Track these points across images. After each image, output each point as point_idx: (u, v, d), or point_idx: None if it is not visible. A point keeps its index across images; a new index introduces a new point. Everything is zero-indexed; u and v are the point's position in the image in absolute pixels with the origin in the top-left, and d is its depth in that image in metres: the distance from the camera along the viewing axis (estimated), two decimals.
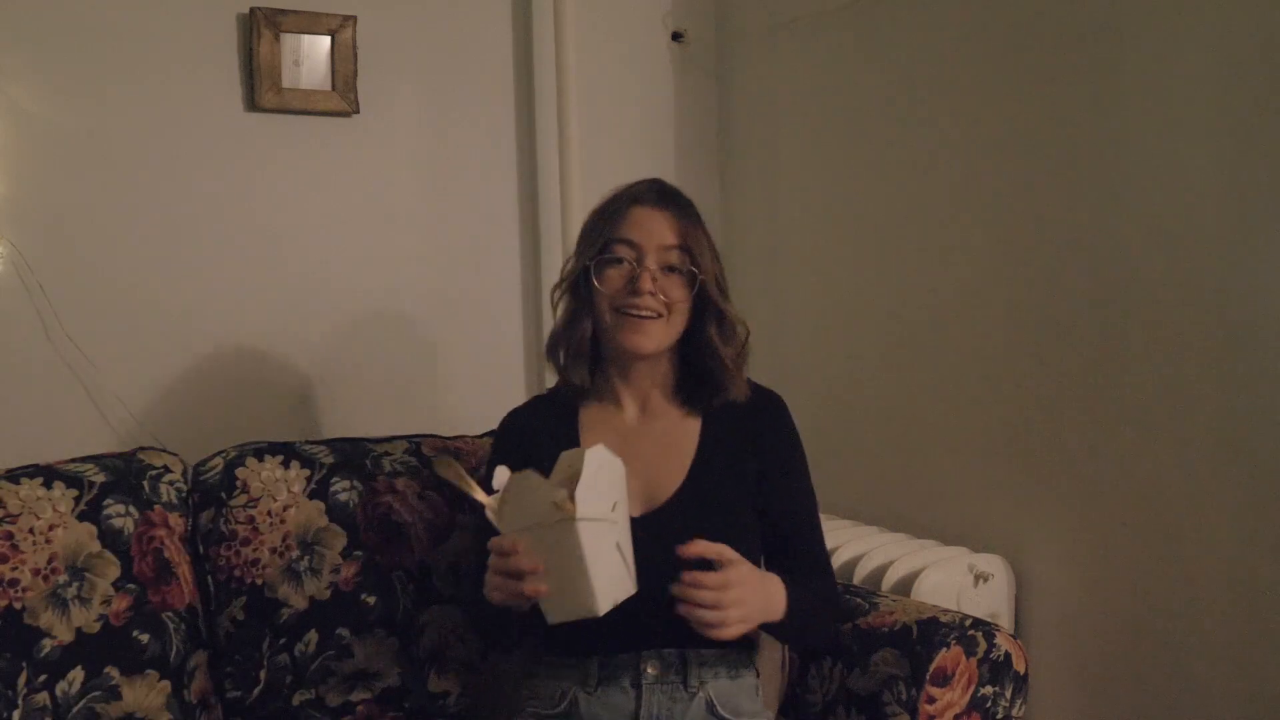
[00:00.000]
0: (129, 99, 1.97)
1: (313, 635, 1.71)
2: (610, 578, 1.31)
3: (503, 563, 1.32)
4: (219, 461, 1.76)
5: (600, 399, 1.60)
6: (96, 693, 1.57)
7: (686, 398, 1.59)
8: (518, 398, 1.74)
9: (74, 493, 1.64)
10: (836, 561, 1.97)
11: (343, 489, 1.77)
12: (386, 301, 2.20)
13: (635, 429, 1.57)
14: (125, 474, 1.69)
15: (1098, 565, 1.82)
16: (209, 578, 1.72)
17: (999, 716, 1.56)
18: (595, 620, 1.30)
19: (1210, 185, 1.65)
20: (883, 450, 2.19)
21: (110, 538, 1.63)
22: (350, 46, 2.10)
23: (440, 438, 1.90)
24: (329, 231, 2.14)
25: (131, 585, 1.63)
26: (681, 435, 1.57)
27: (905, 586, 1.85)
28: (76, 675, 1.57)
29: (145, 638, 1.62)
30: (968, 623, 1.56)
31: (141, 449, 1.79)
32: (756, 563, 1.50)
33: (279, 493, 1.74)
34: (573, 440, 1.56)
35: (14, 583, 1.55)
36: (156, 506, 1.69)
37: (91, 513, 1.63)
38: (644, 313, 1.50)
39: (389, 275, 2.20)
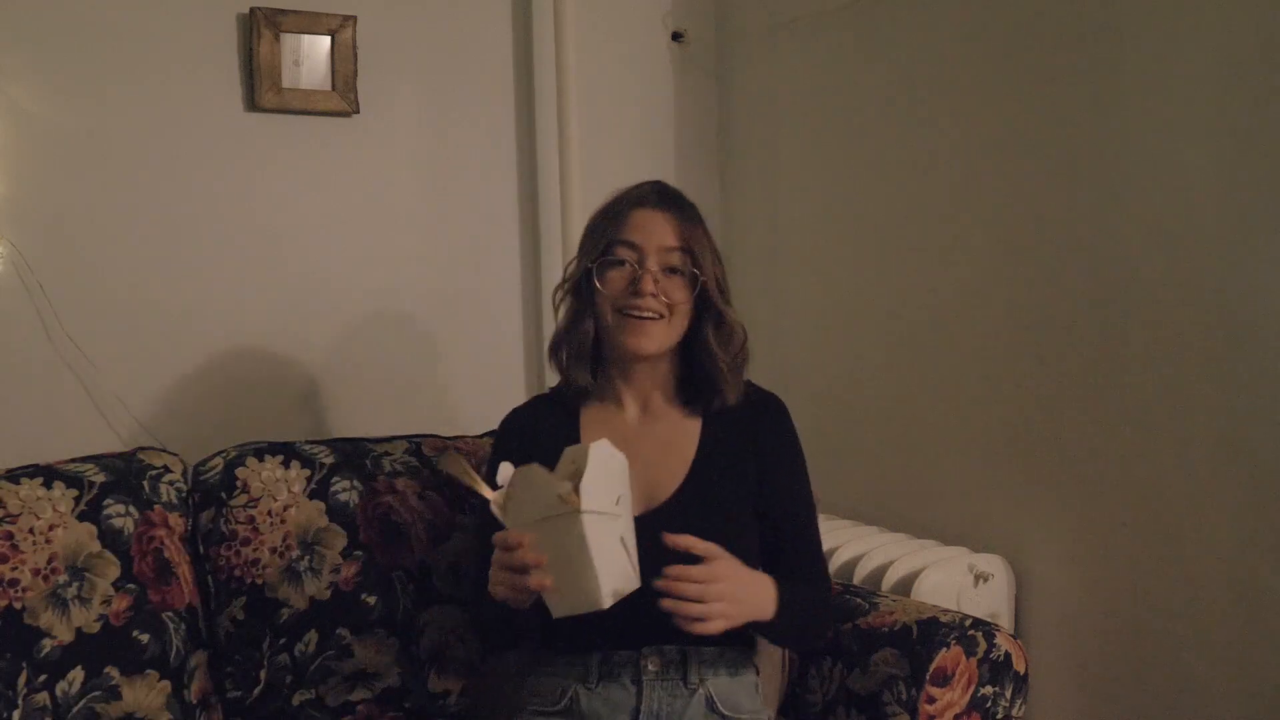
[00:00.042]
0: (129, 99, 1.97)
1: (313, 635, 1.71)
2: (614, 571, 1.31)
3: (507, 557, 1.33)
4: (219, 461, 1.76)
5: (602, 399, 1.61)
6: (96, 693, 1.57)
7: (687, 399, 1.60)
8: (518, 398, 1.74)
9: (74, 493, 1.64)
10: (836, 561, 1.97)
11: (343, 489, 1.77)
12: (386, 301, 2.20)
13: (636, 429, 1.58)
14: (125, 474, 1.69)
15: (1098, 565, 1.82)
16: (209, 578, 1.72)
17: (999, 716, 1.56)
18: (597, 615, 1.31)
19: (1210, 185, 1.65)
20: (883, 450, 2.19)
21: (110, 538, 1.63)
22: (350, 46, 2.10)
23: (440, 438, 1.91)
24: (329, 231, 2.14)
25: (131, 585, 1.63)
26: (681, 436, 1.58)
27: (905, 586, 1.85)
28: (76, 675, 1.56)
29: (145, 638, 1.62)
30: (968, 623, 1.56)
31: (141, 449, 1.79)
32: (755, 563, 1.50)
33: (279, 493, 1.74)
34: (574, 440, 1.56)
35: (14, 583, 1.55)
36: (156, 506, 1.69)
37: (91, 513, 1.63)
38: (646, 314, 1.51)
39: (389, 275, 2.20)
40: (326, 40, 2.09)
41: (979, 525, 2.00)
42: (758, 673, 1.56)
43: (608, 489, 1.33)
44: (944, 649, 1.52)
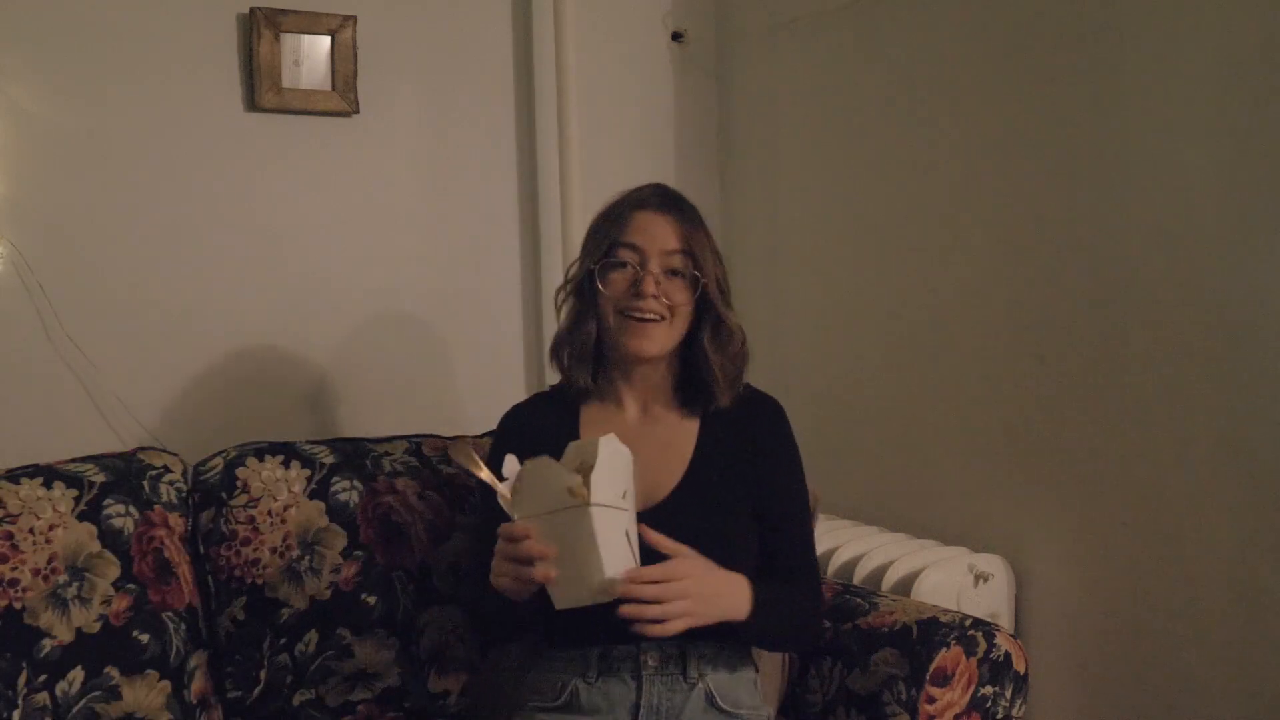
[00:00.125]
0: (129, 99, 1.97)
1: (313, 635, 1.71)
2: (618, 564, 1.32)
3: (513, 548, 1.34)
4: (219, 461, 1.76)
5: (602, 399, 1.62)
6: (96, 693, 1.57)
7: (685, 400, 1.61)
8: (518, 397, 1.74)
9: (74, 493, 1.64)
10: (836, 561, 1.97)
11: (343, 489, 1.77)
12: (387, 301, 2.20)
13: (635, 429, 1.58)
14: (125, 474, 1.69)
15: (1098, 565, 1.82)
16: (209, 578, 1.72)
17: (999, 716, 1.56)
18: (597, 610, 1.32)
19: (1210, 185, 1.65)
20: (883, 450, 2.19)
21: (110, 538, 1.63)
22: (350, 46, 2.10)
23: (440, 437, 1.91)
24: (329, 231, 2.14)
25: (131, 585, 1.63)
26: (680, 437, 1.58)
27: (905, 586, 1.85)
28: (76, 675, 1.56)
29: (145, 638, 1.62)
30: (968, 623, 1.56)
31: (141, 449, 1.79)
32: (751, 564, 1.51)
33: (279, 493, 1.74)
34: (573, 438, 1.56)
35: (14, 583, 1.55)
36: (156, 506, 1.69)
37: (91, 513, 1.63)
38: (647, 315, 1.52)
39: (389, 275, 2.20)
40: (326, 40, 2.09)
41: (979, 525, 2.00)
42: (757, 670, 1.56)
43: (615, 483, 1.34)
44: (944, 649, 1.52)
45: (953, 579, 1.87)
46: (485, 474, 1.39)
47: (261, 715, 1.71)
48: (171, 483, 1.73)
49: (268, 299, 2.08)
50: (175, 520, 1.70)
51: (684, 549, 1.39)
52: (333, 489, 1.76)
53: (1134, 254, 1.74)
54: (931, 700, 1.51)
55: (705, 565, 1.41)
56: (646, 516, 1.46)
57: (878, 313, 2.19)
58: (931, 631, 1.55)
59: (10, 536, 1.57)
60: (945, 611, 1.61)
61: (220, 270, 2.05)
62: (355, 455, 1.82)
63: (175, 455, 1.79)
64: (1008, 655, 1.56)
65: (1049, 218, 1.86)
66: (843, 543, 2.01)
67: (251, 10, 2.03)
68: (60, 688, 1.55)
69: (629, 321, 1.53)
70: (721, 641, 1.49)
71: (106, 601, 1.61)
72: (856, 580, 1.92)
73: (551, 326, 1.67)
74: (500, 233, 2.31)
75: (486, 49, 2.28)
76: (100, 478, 1.67)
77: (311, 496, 1.75)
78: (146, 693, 1.61)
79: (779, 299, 2.40)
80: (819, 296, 2.33)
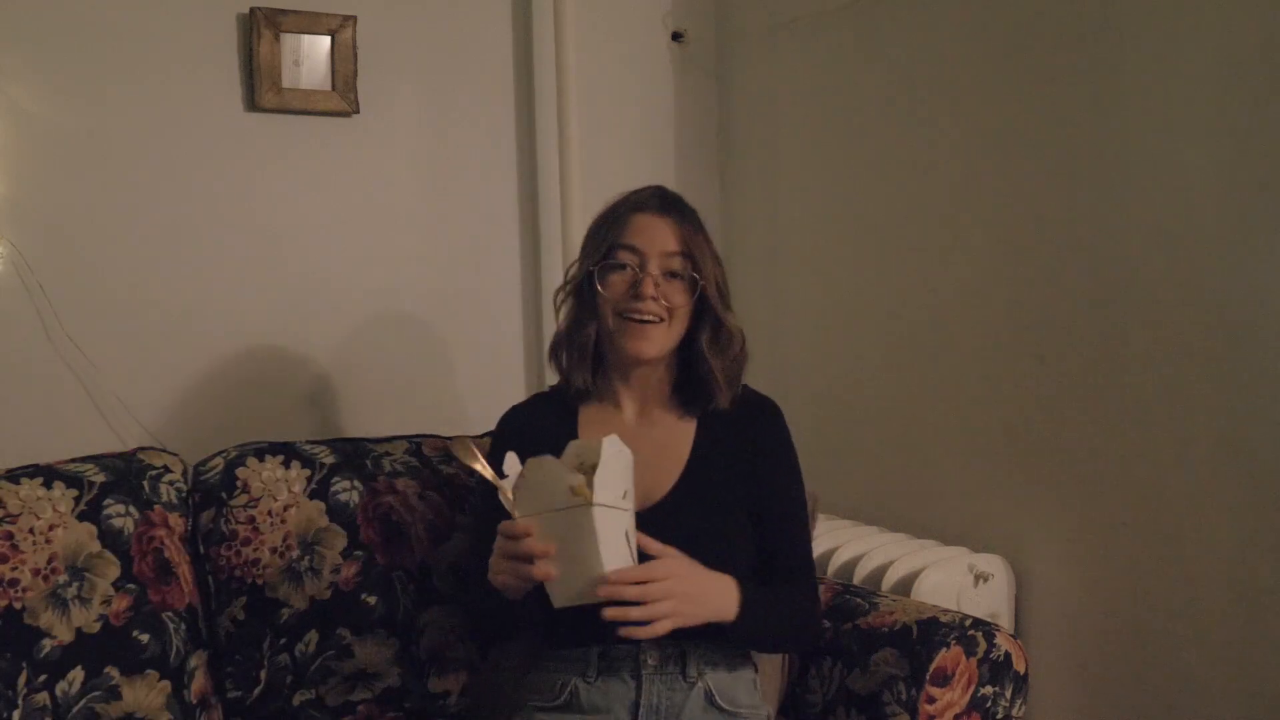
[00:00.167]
0: (129, 99, 1.97)
1: (313, 635, 1.71)
2: (618, 564, 1.33)
3: (513, 546, 1.34)
4: (219, 461, 1.76)
5: (600, 400, 1.62)
6: (96, 693, 1.57)
7: (683, 401, 1.61)
8: (518, 397, 1.74)
9: (74, 493, 1.64)
10: (836, 561, 1.97)
11: (343, 489, 1.77)
12: (387, 301, 2.20)
13: (633, 430, 1.58)
14: (125, 474, 1.69)
15: (1098, 565, 1.82)
16: (209, 578, 1.72)
17: (999, 716, 1.56)
18: (597, 609, 1.33)
19: (1210, 185, 1.65)
20: (883, 450, 2.19)
21: (110, 538, 1.63)
22: (350, 46, 2.10)
23: (440, 437, 1.90)
24: (329, 231, 2.14)
25: (131, 585, 1.63)
26: (677, 438, 1.59)
27: (905, 586, 1.85)
28: (76, 675, 1.56)
29: (145, 638, 1.62)
30: (968, 623, 1.56)
31: (141, 449, 1.79)
32: (748, 564, 1.51)
33: (279, 493, 1.74)
34: (572, 439, 1.56)
35: (14, 583, 1.55)
36: (156, 506, 1.69)
37: (91, 513, 1.63)
38: (646, 317, 1.52)
39: (389, 275, 2.20)
40: (326, 40, 2.09)
41: (979, 525, 2.00)
42: (755, 669, 1.56)
43: (617, 484, 1.35)
44: (944, 649, 1.52)
45: (953, 579, 1.87)
46: (487, 471, 1.40)
47: (261, 715, 1.70)
48: (171, 483, 1.73)
49: (268, 299, 2.08)
50: (175, 520, 1.70)
51: (670, 550, 1.40)
52: (333, 489, 1.76)
53: (1134, 254, 1.74)
54: (931, 700, 1.51)
55: (690, 566, 1.42)
56: (643, 517, 1.47)
57: (878, 313, 2.19)
58: (931, 631, 1.55)
59: (10, 536, 1.57)
60: (945, 611, 1.61)
61: (220, 270, 2.05)
62: (355, 455, 1.82)
63: (175, 455, 1.79)
64: (1008, 655, 1.56)
65: (1049, 218, 1.86)
66: (842, 543, 2.01)
67: (251, 10, 2.03)
68: (60, 688, 1.55)
69: (628, 323, 1.53)
70: (721, 641, 1.49)
71: (106, 601, 1.61)
72: (856, 580, 1.92)
73: (551, 327, 1.67)
74: (500, 233, 2.31)
75: (486, 49, 2.28)
76: (100, 478, 1.67)
77: (312, 496, 1.75)
78: (146, 693, 1.61)
79: (779, 299, 2.40)
80: (819, 296, 2.33)
